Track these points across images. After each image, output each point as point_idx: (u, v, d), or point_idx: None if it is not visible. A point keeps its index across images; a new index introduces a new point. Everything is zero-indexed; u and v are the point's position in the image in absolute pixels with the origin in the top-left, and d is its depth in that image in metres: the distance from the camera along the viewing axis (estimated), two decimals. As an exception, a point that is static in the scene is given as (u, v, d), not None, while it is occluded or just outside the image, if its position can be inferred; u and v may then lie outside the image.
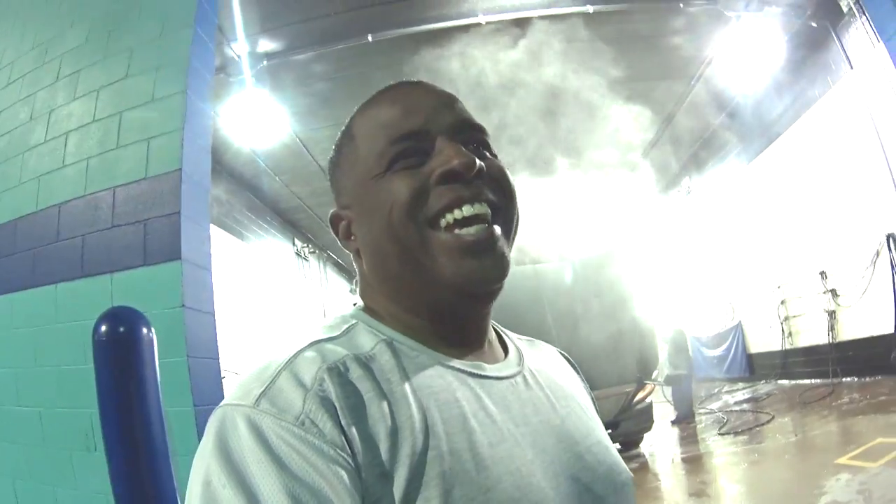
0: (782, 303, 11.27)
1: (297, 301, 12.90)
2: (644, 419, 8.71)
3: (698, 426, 9.79)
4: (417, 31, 7.26)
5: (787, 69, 9.35)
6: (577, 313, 8.07)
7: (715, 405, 10.80)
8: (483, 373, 0.77)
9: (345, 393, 0.64)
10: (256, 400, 0.62)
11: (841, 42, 8.47)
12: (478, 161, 0.75)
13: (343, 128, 0.88)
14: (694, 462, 7.67)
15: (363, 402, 0.64)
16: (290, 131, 9.09)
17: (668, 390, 10.98)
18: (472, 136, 0.81)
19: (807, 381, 10.49)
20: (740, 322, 13.04)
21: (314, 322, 0.85)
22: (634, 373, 8.28)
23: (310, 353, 0.68)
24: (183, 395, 2.63)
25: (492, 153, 0.82)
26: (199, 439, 0.62)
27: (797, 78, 9.56)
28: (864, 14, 7.46)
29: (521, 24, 7.61)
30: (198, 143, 3.01)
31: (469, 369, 0.76)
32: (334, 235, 0.89)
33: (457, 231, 0.73)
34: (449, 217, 0.74)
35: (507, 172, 0.82)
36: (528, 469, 0.69)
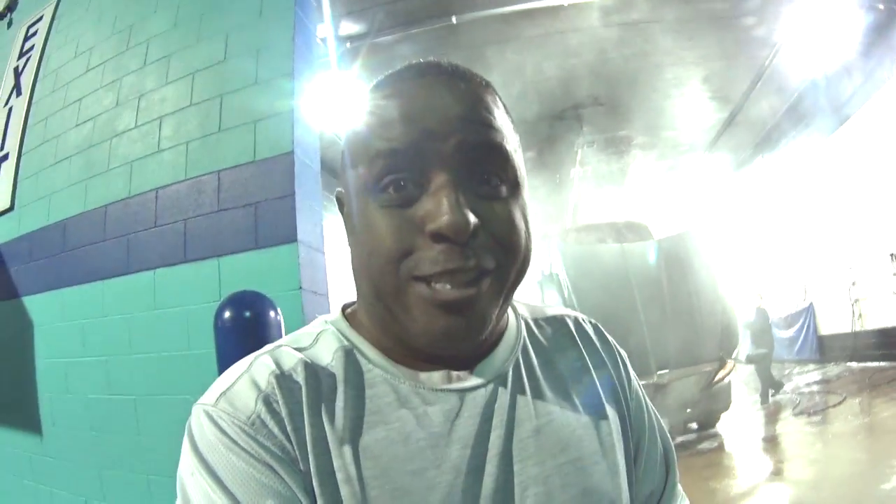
0: (853, 284, 11.23)
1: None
2: (723, 399, 8.61)
3: (771, 407, 9.75)
4: (501, 13, 7.22)
5: (859, 50, 9.36)
6: (663, 292, 8.02)
7: (788, 387, 10.72)
8: (444, 387, 0.72)
9: (291, 400, 0.67)
10: (217, 399, 0.67)
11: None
12: (472, 222, 0.63)
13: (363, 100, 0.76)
14: (769, 442, 7.71)
15: (303, 412, 0.66)
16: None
17: (750, 370, 10.94)
18: (482, 163, 0.67)
19: (876, 364, 10.43)
20: (812, 303, 12.98)
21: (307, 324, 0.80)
22: (716, 351, 8.18)
23: (268, 357, 0.71)
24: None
25: (510, 182, 0.69)
26: None
27: (866, 60, 9.55)
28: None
29: (602, 4, 7.65)
30: (307, 125, 2.97)
31: (425, 384, 0.72)
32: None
33: (435, 284, 0.65)
34: (433, 281, 0.65)
35: (517, 217, 0.69)
36: (457, 500, 0.66)
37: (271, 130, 2.84)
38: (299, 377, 0.69)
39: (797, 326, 12.88)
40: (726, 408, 8.78)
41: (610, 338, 0.94)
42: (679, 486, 0.94)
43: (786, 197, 13.43)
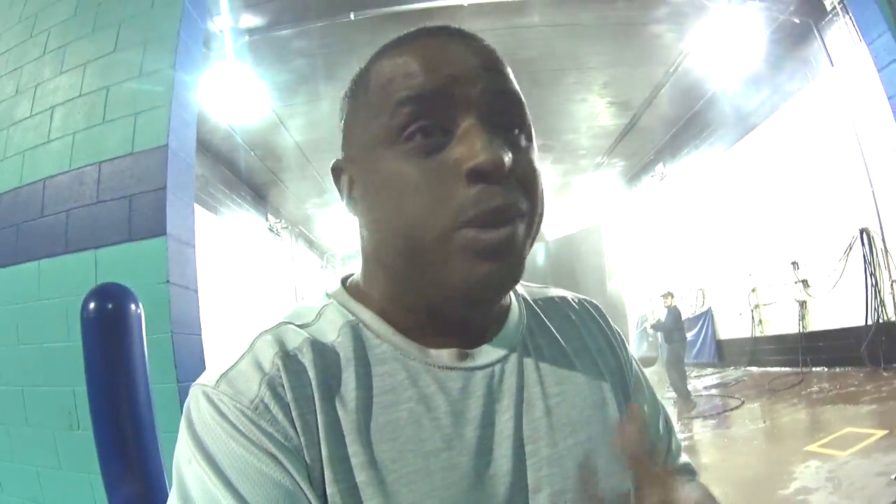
0: (753, 290, 11.41)
1: (269, 276, 12.92)
2: None
3: (669, 409, 9.83)
4: (399, 11, 7.23)
5: (767, 62, 9.43)
6: None
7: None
8: (453, 364, 0.70)
9: (297, 382, 0.63)
10: (217, 381, 0.63)
11: (823, 39, 8.57)
12: (508, 159, 0.61)
13: (361, 66, 0.73)
14: None
15: (312, 394, 0.63)
16: (268, 106, 9.08)
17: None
18: (507, 113, 0.67)
19: (776, 370, 10.66)
20: (710, 308, 13.17)
21: (298, 298, 0.76)
22: None
23: (271, 337, 0.67)
24: (167, 371, 2.63)
25: (528, 134, 0.69)
26: (181, 415, 0.64)
27: (776, 71, 9.65)
28: (848, 14, 7.54)
29: (502, 6, 7.61)
30: (184, 118, 2.98)
31: (436, 363, 0.69)
32: (335, 187, 0.76)
33: (476, 230, 0.62)
34: (478, 223, 0.62)
35: (538, 167, 0.68)
36: (469, 482, 0.64)
37: (150, 123, 2.85)
38: (305, 358, 0.65)
39: (696, 330, 13.03)
40: None
41: (609, 318, 0.94)
42: (687, 459, 0.96)
43: (687, 203, 13.56)
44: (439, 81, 0.63)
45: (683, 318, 11.16)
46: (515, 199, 0.63)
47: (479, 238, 0.61)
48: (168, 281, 2.65)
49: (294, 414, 0.61)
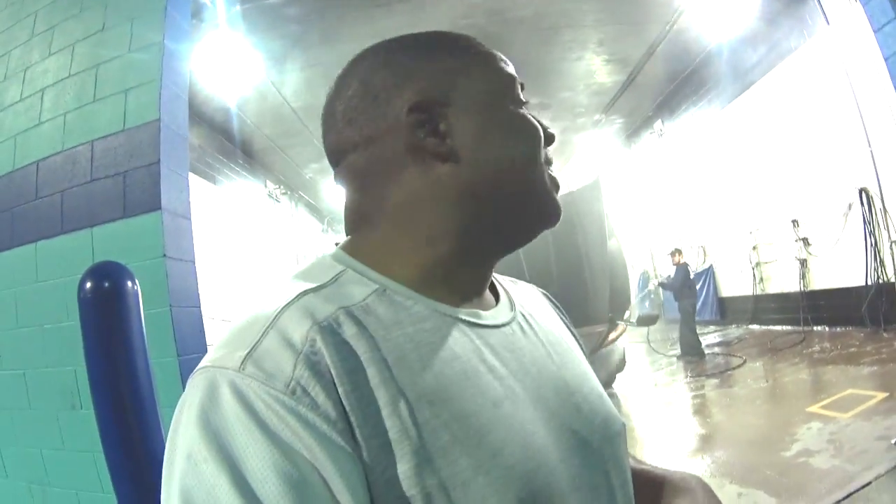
0: (754, 248, 11.46)
1: (270, 242, 12.96)
2: (615, 360, 8.63)
3: (669, 368, 9.84)
4: None
5: (763, 20, 9.43)
6: (549, 252, 7.97)
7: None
8: (480, 321, 0.73)
9: (340, 356, 0.58)
10: (242, 363, 0.56)
11: (818, -3, 8.51)
12: None
13: (442, 44, 0.80)
14: (665, 404, 7.77)
15: (361, 366, 0.59)
16: (262, 74, 9.07)
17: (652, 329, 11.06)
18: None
19: (778, 328, 10.70)
20: (712, 265, 13.22)
21: (295, 266, 0.79)
22: (606, 313, 8.20)
23: (298, 308, 0.62)
24: (167, 345, 2.63)
25: None
26: (184, 389, 0.58)
27: (773, 29, 9.63)
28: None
29: None
30: (175, 92, 2.96)
31: (467, 317, 0.71)
32: (409, 125, 0.73)
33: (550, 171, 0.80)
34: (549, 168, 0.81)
35: None
36: (532, 427, 0.66)
37: (140, 98, 2.84)
38: (345, 328, 0.61)
39: (697, 288, 13.01)
40: (620, 369, 8.84)
41: (559, 305, 1.04)
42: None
43: (687, 160, 13.55)
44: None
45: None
46: None
47: (554, 177, 0.81)
48: (165, 255, 2.65)
49: (341, 391, 0.56)
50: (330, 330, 0.60)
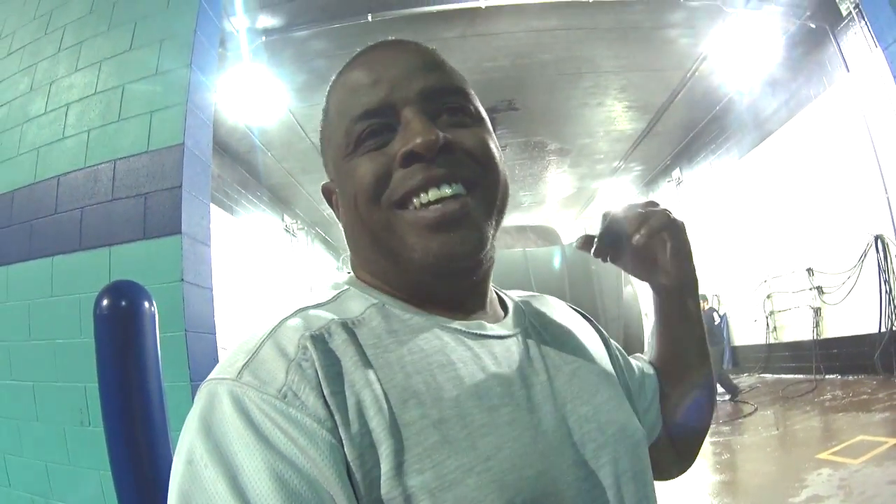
0: (768, 297, 11.38)
1: (285, 276, 12.96)
2: None
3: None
4: (416, 13, 7.26)
5: (784, 67, 9.44)
6: (565, 296, 7.95)
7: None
8: (483, 332, 0.73)
9: (327, 361, 0.60)
10: (239, 372, 0.59)
11: (838, 44, 8.54)
12: (441, 136, 0.68)
13: (327, 89, 0.83)
14: None
15: (346, 370, 0.61)
16: (285, 107, 9.11)
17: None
18: (444, 102, 0.73)
19: (790, 377, 10.58)
20: (725, 314, 13.11)
21: (305, 292, 0.76)
22: None
23: (293, 321, 0.65)
24: (180, 369, 2.62)
25: (474, 116, 0.76)
26: None
27: (793, 77, 9.64)
28: (864, 19, 7.51)
29: (520, 9, 7.62)
30: (200, 117, 2.99)
31: (468, 329, 0.72)
32: (330, 208, 0.84)
33: (421, 211, 0.69)
34: (416, 201, 0.69)
35: (487, 139, 0.75)
36: (531, 435, 0.65)
37: (165, 121, 2.87)
38: (335, 336, 0.64)
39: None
40: None
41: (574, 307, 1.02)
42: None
43: (703, 208, 13.54)
44: (380, 92, 0.71)
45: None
46: (453, 170, 0.69)
47: (421, 218, 0.68)
48: (182, 279, 2.66)
49: (326, 393, 0.58)
50: (320, 338, 0.62)
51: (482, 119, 0.77)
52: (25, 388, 3.04)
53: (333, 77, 0.81)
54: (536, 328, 0.83)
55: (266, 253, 11.94)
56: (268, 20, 7.17)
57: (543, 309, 0.91)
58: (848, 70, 8.46)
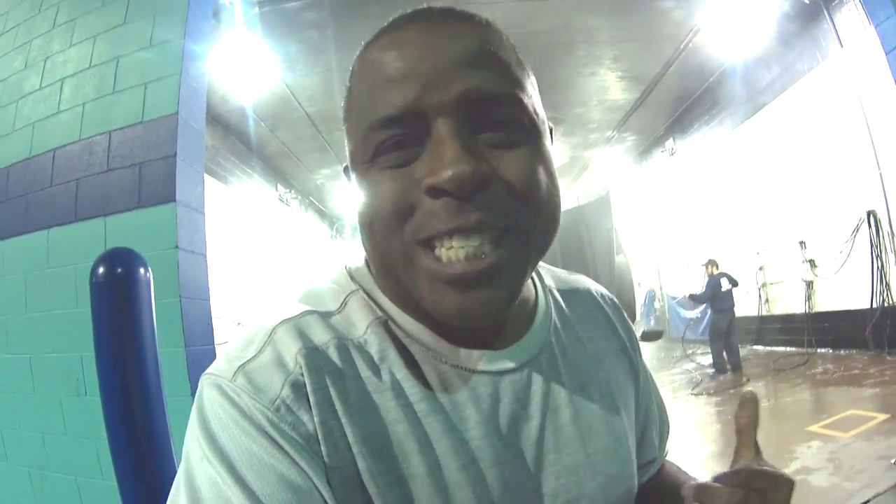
0: (760, 269, 11.41)
1: (278, 246, 13.02)
2: None
3: (672, 385, 9.77)
4: None
5: (777, 41, 9.46)
6: (557, 265, 8.01)
7: (689, 366, 10.85)
8: (483, 367, 0.68)
9: (319, 384, 0.59)
10: (234, 374, 0.58)
11: (832, 20, 8.55)
12: (477, 170, 0.56)
13: (353, 62, 0.68)
14: None
15: (335, 400, 0.59)
16: (278, 78, 9.10)
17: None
18: (489, 113, 0.59)
19: (781, 349, 10.65)
20: (736, 281, 13.10)
21: (317, 276, 0.69)
22: None
23: (294, 328, 0.63)
24: (175, 335, 2.66)
25: (526, 129, 0.62)
26: (190, 380, 0.63)
27: (786, 51, 9.65)
28: (858, -5, 7.56)
29: None
30: (194, 87, 3.02)
31: (464, 364, 0.67)
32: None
33: (443, 257, 0.58)
34: (439, 245, 0.58)
35: (536, 167, 0.61)
36: (498, 493, 0.63)
37: (159, 92, 2.90)
38: (332, 359, 0.62)
39: (702, 307, 12.71)
40: None
41: (625, 313, 0.93)
42: (666, 447, 0.98)
43: (696, 179, 13.53)
44: (409, 95, 0.58)
45: (693, 293, 10.97)
46: (489, 215, 0.57)
47: (443, 268, 0.58)
48: (177, 246, 2.69)
49: (317, 420, 0.57)
50: (317, 356, 0.61)
51: (537, 132, 0.63)
52: (23, 360, 3.08)
53: (363, 46, 0.67)
54: (554, 352, 0.76)
55: (260, 222, 11.97)
56: None
57: (574, 316, 0.84)
58: (842, 45, 8.48)
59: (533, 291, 0.80)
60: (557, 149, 15.51)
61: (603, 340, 0.84)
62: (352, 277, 0.72)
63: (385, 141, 0.59)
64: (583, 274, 0.97)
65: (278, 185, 13.70)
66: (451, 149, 0.56)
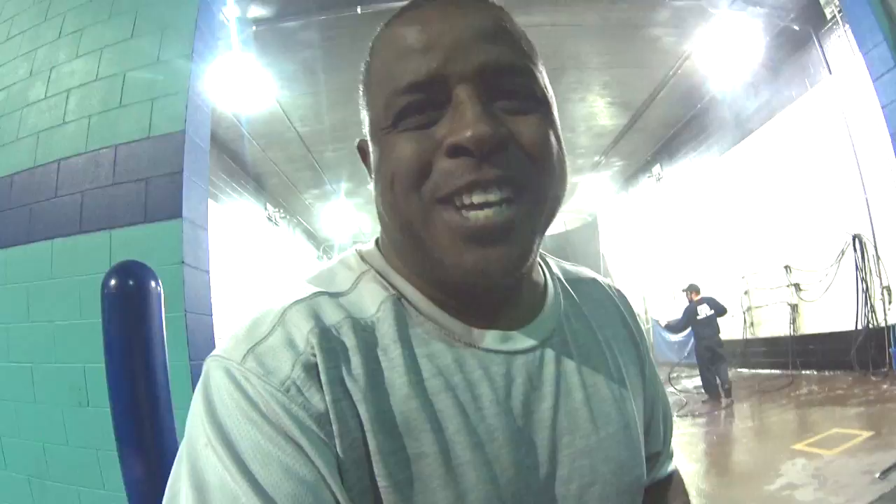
0: (746, 293, 11.52)
1: (267, 263, 13.04)
2: None
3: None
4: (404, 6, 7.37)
5: (766, 68, 9.59)
6: None
7: (673, 388, 10.93)
8: (496, 347, 0.69)
9: (332, 363, 0.59)
10: (244, 357, 0.58)
11: (822, 47, 8.70)
12: (495, 131, 0.59)
13: (371, 41, 0.72)
14: None
15: (346, 379, 0.59)
16: (272, 96, 9.13)
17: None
18: (505, 83, 0.63)
19: (766, 371, 10.80)
20: (721, 307, 13.20)
21: (324, 264, 0.68)
22: None
23: (306, 308, 0.63)
24: (179, 349, 2.69)
25: (539, 99, 0.66)
26: (193, 393, 0.64)
27: (775, 77, 9.78)
28: (847, 23, 7.66)
29: (507, 5, 7.69)
30: (200, 106, 3.06)
31: (478, 343, 0.68)
32: (364, 165, 0.76)
33: (464, 212, 0.60)
34: (458, 201, 0.60)
35: (548, 132, 0.65)
36: (511, 474, 0.63)
37: (167, 109, 2.94)
38: (345, 338, 0.62)
39: (687, 331, 13.05)
40: None
41: (633, 307, 0.95)
42: (671, 444, 1.00)
43: (683, 204, 13.71)
44: (432, 64, 0.61)
45: (675, 319, 10.92)
46: (504, 173, 0.60)
47: (464, 222, 0.60)
48: (183, 262, 2.73)
49: (328, 399, 0.57)
50: (331, 336, 0.61)
51: (547, 103, 0.67)
52: (24, 369, 3.09)
53: (383, 25, 0.71)
54: (565, 336, 0.77)
55: (249, 240, 12.00)
56: (258, 10, 7.22)
57: (583, 303, 0.85)
58: (830, 72, 8.61)
59: (542, 276, 0.82)
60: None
61: (611, 328, 0.86)
62: (363, 259, 0.74)
63: (407, 106, 0.62)
64: None
65: (267, 205, 13.76)
66: (471, 111, 0.59)
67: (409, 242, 0.66)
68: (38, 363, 3.07)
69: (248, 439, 0.53)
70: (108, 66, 3.14)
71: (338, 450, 0.56)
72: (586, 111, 11.35)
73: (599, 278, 0.94)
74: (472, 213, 0.60)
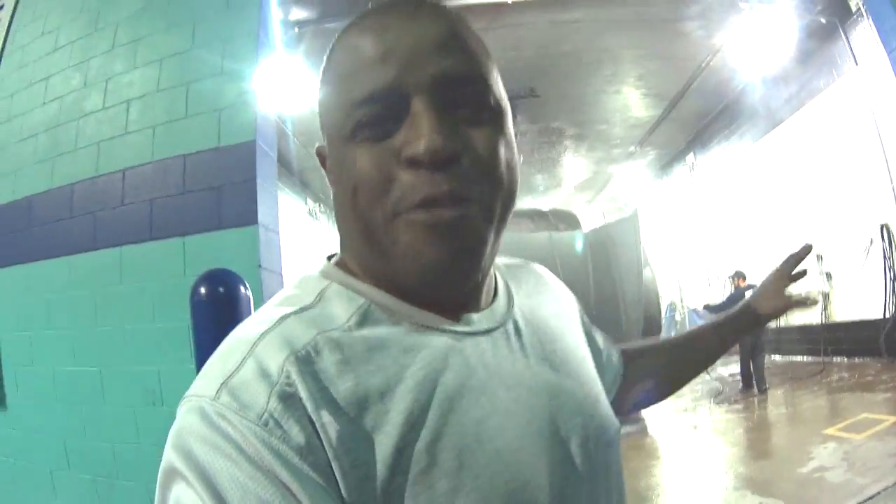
0: None
1: (310, 256, 13.11)
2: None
3: (693, 395, 9.95)
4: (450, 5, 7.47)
5: (794, 60, 9.68)
6: (589, 282, 8.27)
7: (711, 375, 11.06)
8: (470, 329, 0.69)
9: (317, 387, 0.56)
10: (217, 392, 0.55)
11: (848, 39, 8.81)
12: (446, 145, 0.60)
13: (329, 47, 0.74)
14: (691, 427, 7.95)
15: (338, 396, 0.57)
16: (315, 96, 9.18)
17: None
18: (461, 93, 0.64)
19: (799, 359, 10.99)
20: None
21: (288, 283, 0.70)
22: (638, 339, 8.35)
23: (276, 336, 0.59)
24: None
25: (493, 109, 0.67)
26: None
27: (803, 69, 9.91)
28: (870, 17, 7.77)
29: (545, 3, 7.92)
30: (266, 114, 3.14)
31: (454, 328, 0.68)
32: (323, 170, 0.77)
33: (418, 214, 0.62)
34: (413, 215, 0.62)
35: (498, 144, 0.66)
36: (519, 442, 0.63)
37: (234, 119, 3.02)
38: (323, 356, 0.59)
39: None
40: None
41: (564, 284, 0.99)
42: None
43: (716, 193, 13.87)
44: (388, 75, 0.62)
45: (710, 306, 10.93)
46: (458, 185, 0.61)
47: (420, 218, 0.61)
48: (260, 265, 2.82)
49: (318, 424, 0.54)
50: (307, 360, 0.58)
51: (501, 112, 0.68)
52: (91, 373, 3.18)
53: (340, 32, 0.72)
54: (524, 312, 0.79)
55: (292, 234, 12.19)
56: (300, 12, 7.34)
57: (528, 285, 0.88)
58: (856, 63, 8.72)
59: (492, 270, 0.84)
60: (581, 164, 15.92)
61: (555, 304, 0.89)
62: (322, 276, 0.72)
63: (366, 116, 0.63)
64: (610, 287, 1.10)
65: (307, 199, 13.99)
66: (426, 123, 0.60)
67: (372, 249, 0.66)
68: (107, 366, 3.16)
69: (227, 477, 0.50)
70: (169, 78, 3.21)
71: (337, 474, 0.53)
72: (621, 103, 11.58)
73: (519, 261, 0.97)
74: (427, 213, 0.61)
